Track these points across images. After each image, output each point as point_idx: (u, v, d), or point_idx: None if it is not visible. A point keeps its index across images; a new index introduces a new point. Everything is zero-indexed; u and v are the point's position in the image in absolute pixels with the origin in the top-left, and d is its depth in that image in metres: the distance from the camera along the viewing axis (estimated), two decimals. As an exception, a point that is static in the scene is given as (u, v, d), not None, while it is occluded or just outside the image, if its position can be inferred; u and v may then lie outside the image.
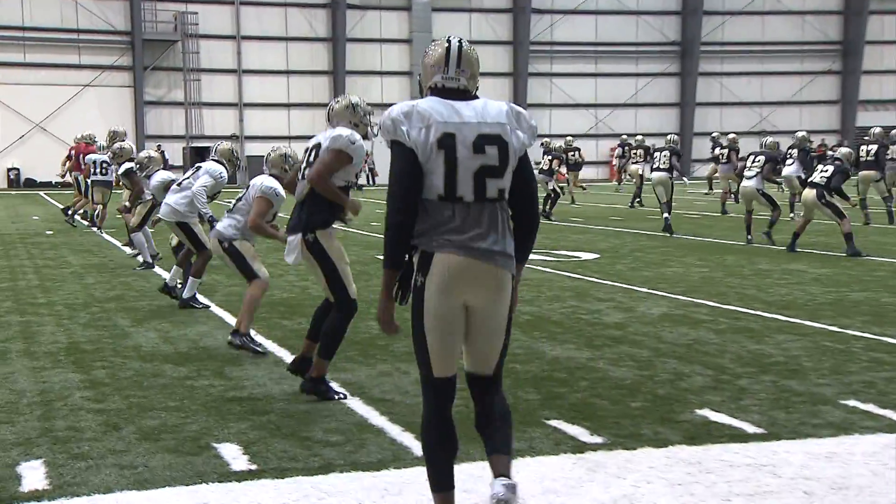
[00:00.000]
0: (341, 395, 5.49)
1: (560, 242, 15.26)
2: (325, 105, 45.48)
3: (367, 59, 45.16)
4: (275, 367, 6.30)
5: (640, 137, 27.42)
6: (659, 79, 48.46)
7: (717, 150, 23.56)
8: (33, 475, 4.16)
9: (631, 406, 5.26)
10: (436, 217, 3.21)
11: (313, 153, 5.52)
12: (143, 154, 11.17)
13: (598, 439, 4.65)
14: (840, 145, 18.31)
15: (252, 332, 7.08)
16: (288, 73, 44.16)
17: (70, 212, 19.29)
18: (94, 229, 17.67)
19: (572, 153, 27.11)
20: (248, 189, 6.98)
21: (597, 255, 13.22)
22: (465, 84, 3.31)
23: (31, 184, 40.35)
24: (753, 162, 14.96)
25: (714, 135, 25.99)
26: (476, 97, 3.34)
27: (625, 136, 30.36)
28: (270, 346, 7.01)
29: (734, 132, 25.74)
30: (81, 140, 20.05)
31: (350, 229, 16.71)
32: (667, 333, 7.42)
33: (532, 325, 7.81)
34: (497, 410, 3.37)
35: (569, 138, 29.20)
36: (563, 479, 4.10)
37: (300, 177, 5.57)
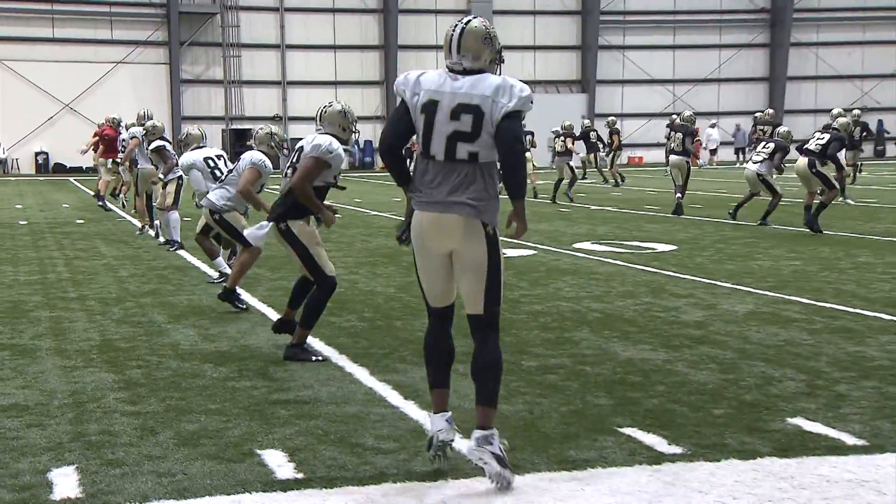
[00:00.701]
0: (320, 358, 6.56)
1: (633, 233, 15.14)
2: (375, 83, 45.83)
3: (422, 33, 45.22)
4: (322, 368, 6.36)
5: (679, 116, 27.54)
6: (745, 51, 47.73)
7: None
8: (65, 482, 4.25)
9: (714, 413, 5.21)
10: (420, 171, 4.30)
11: (297, 155, 6.83)
12: (193, 131, 11.58)
13: (677, 449, 4.61)
14: (841, 116, 18.41)
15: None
16: (335, 48, 44.46)
17: (111, 195, 20.71)
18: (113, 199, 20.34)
19: (601, 130, 29.16)
20: (238, 161, 8.57)
21: (674, 247, 13.10)
22: (469, 65, 4.25)
23: (60, 169, 41.17)
24: (764, 147, 16.12)
25: (757, 115, 26.21)
26: (481, 71, 4.23)
27: (673, 117, 30.13)
28: (318, 345, 7.07)
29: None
30: (106, 123, 20.94)
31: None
32: (754, 333, 7.33)
33: (602, 324, 7.77)
34: (486, 359, 4.35)
35: (585, 121, 29.72)
36: (638, 493, 4.08)
37: (284, 174, 6.89)
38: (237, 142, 39.05)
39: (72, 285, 10.17)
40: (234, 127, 42.56)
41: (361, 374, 6.20)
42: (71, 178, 36.16)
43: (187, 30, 42.72)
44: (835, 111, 19.20)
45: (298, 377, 6.12)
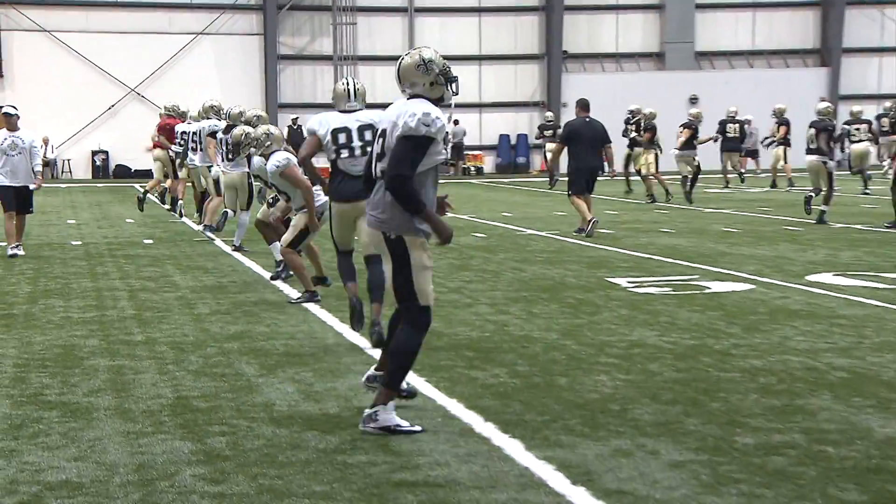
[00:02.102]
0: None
1: (893, 261, 14.71)
2: (532, 58, 45.96)
3: (597, -14, 45.13)
4: (460, 438, 6.41)
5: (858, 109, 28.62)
6: None
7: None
8: (129, 582, 4.40)
9: None
10: None
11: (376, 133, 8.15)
12: (261, 130, 11.99)
13: (957, 567, 4.45)
14: None
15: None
16: (479, 10, 44.82)
17: (171, 203, 22.47)
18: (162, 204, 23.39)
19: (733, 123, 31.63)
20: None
21: (953, 281, 12.69)
22: (411, 92, 6.71)
23: (123, 173, 42.45)
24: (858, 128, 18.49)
25: (888, 104, 26.40)
26: (417, 96, 6.66)
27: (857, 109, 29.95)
28: (454, 407, 7.13)
29: None
30: (166, 113, 22.82)
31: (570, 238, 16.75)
32: None
33: (850, 388, 7.58)
34: (393, 343, 6.76)
35: (730, 108, 31.20)
36: None
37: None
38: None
39: (137, 325, 10.53)
40: (346, 117, 43.23)
41: (514, 448, 6.21)
42: (136, 185, 37.33)
43: (287, -10, 43.72)
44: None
45: (430, 451, 6.17)
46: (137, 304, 11.84)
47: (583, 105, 19.35)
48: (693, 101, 42.27)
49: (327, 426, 6.76)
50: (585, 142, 18.71)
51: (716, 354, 8.77)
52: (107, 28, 41.96)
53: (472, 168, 44.41)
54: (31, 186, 16.61)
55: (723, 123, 31.58)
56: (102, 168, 42.79)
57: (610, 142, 19.23)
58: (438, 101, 6.72)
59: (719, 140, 30.84)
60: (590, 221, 18.57)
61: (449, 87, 6.76)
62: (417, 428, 6.52)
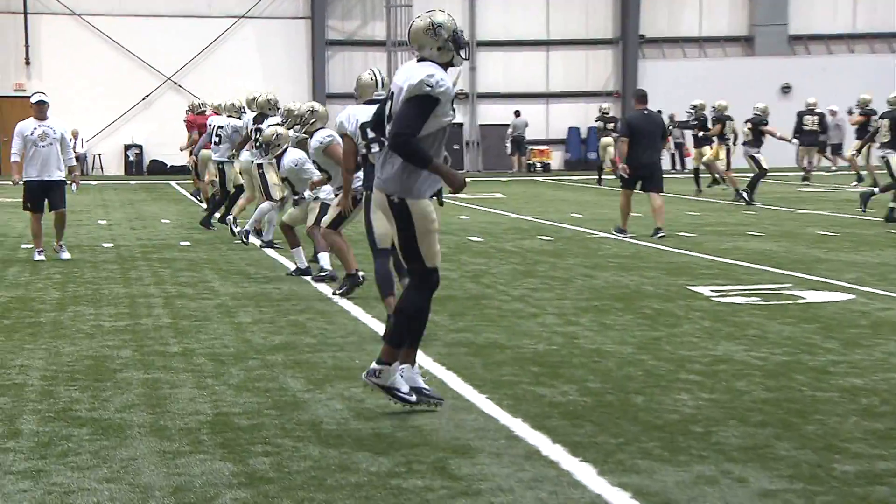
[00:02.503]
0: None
1: None
2: (605, 42, 45.81)
3: (678, -37, 44.96)
4: (525, 461, 6.41)
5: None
6: None
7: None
8: None
9: None
10: None
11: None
12: (305, 107, 13.63)
13: None
14: None
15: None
16: (547, -10, 44.72)
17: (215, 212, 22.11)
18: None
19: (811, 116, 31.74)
20: None
21: None
22: (419, 55, 7.47)
23: (158, 169, 42.87)
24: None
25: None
26: (423, 59, 7.43)
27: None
28: (518, 427, 7.13)
29: None
30: (193, 110, 23.81)
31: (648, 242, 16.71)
32: None
33: (960, 409, 7.50)
34: (399, 303, 7.60)
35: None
36: None
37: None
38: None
39: (174, 335, 10.62)
40: (400, 108, 43.23)
41: (585, 473, 6.21)
42: (172, 182, 37.60)
43: (336, -31, 43.88)
44: None
45: (492, 475, 6.17)
46: (173, 312, 11.94)
47: (640, 97, 19.68)
48: (785, 90, 42.06)
49: (380, 447, 6.78)
50: (645, 136, 18.92)
51: (811, 372, 8.70)
52: (141, 11, 42.29)
53: (538, 164, 44.33)
54: (74, 189, 16.85)
55: (800, 115, 31.41)
56: (136, 164, 43.18)
57: (668, 135, 19.82)
58: (447, 66, 7.48)
59: (794, 141, 30.81)
60: (619, 227, 19.39)
61: (458, 54, 7.52)
62: (413, 398, 7.39)
